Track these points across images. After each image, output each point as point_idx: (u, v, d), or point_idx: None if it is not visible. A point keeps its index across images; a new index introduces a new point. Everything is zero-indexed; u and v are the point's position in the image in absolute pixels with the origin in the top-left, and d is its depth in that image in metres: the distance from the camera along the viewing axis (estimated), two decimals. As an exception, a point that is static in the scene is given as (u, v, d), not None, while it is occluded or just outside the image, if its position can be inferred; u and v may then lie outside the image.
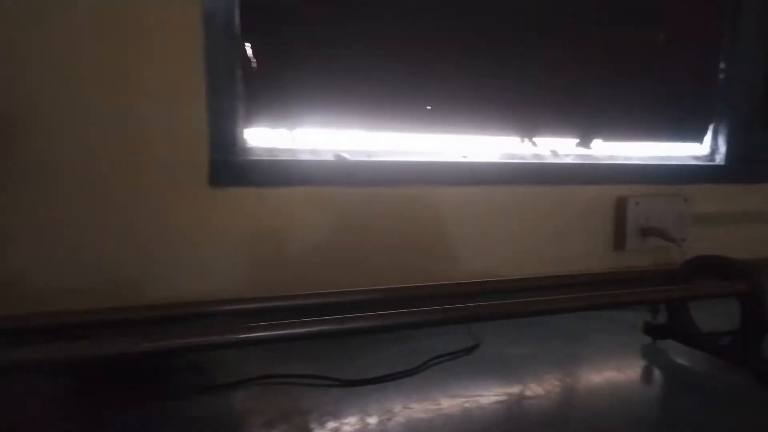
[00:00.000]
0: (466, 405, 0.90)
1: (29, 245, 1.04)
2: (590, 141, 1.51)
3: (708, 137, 1.67)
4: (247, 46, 1.18)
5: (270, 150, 1.24)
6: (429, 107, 1.33)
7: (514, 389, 0.96)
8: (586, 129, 1.50)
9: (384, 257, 1.28)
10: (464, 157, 1.37)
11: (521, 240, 1.42)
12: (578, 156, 1.50)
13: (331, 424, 0.82)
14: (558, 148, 1.47)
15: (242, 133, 1.20)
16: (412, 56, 1.31)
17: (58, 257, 1.06)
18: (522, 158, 1.43)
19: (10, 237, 1.03)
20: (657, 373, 1.07)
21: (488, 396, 0.93)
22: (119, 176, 1.09)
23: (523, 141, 1.44)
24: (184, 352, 0.93)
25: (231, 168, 1.17)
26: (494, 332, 1.20)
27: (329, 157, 1.26)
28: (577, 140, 1.50)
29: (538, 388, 0.97)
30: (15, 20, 1.00)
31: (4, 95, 1.01)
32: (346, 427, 0.81)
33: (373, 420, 0.84)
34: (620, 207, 1.48)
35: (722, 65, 1.64)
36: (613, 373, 1.05)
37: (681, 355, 1.12)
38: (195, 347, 0.76)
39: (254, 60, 1.19)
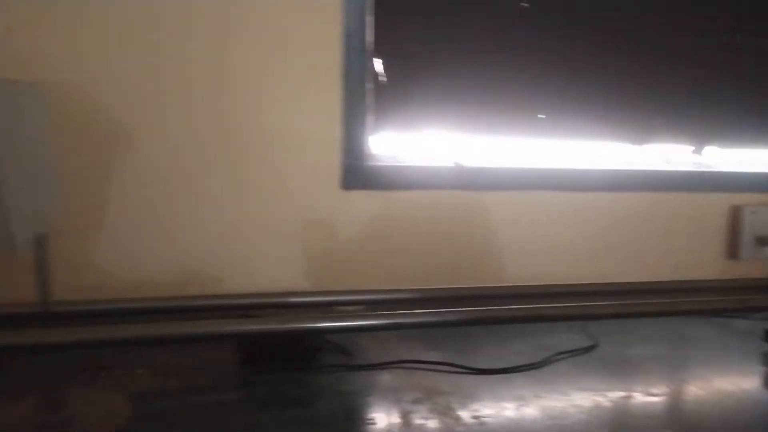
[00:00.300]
0: (595, 398, 0.95)
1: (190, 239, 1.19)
2: (704, 148, 1.51)
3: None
4: (377, 61, 1.29)
5: (394, 156, 1.34)
6: (542, 116, 1.39)
7: (637, 387, 0.99)
8: (701, 136, 1.51)
9: (504, 256, 1.35)
10: (574, 163, 1.41)
11: (631, 246, 1.44)
12: (691, 163, 1.50)
13: (472, 406, 0.89)
14: (671, 155, 1.48)
15: (369, 140, 1.30)
16: (526, 68, 1.37)
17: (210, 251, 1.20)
18: (634, 165, 1.46)
19: (170, 234, 1.18)
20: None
21: (614, 391, 0.97)
22: (266, 179, 1.23)
23: (635, 148, 1.46)
24: (329, 333, 1.04)
25: (360, 172, 1.28)
26: (609, 333, 1.23)
27: (448, 163, 1.34)
28: (692, 147, 1.50)
29: (661, 388, 0.99)
30: (157, 43, 1.14)
31: (141, 105, 1.15)
32: (486, 410, 0.88)
33: (509, 405, 0.90)
34: (734, 216, 1.47)
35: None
36: (735, 378, 1.06)
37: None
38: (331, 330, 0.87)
39: (382, 74, 1.30)
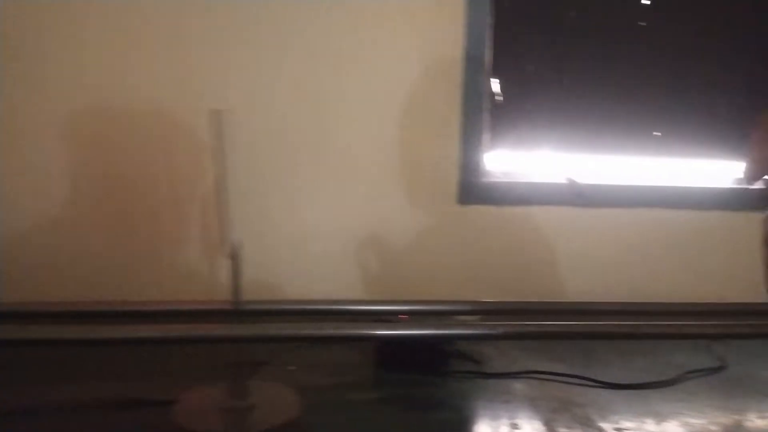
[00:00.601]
0: (734, 417, 0.93)
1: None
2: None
3: None
4: (494, 82, 1.33)
5: (507, 173, 1.37)
6: (657, 133, 1.39)
7: (777, 410, 0.97)
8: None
9: (618, 270, 1.34)
10: (687, 181, 1.39)
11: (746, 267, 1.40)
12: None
13: (612, 418, 0.90)
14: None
15: (485, 157, 1.34)
16: (640, 87, 1.38)
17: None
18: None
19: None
20: None
21: (752, 411, 0.95)
22: (388, 193, 1.29)
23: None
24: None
25: (476, 188, 1.32)
26: (735, 353, 1.20)
27: (561, 180, 1.36)
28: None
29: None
30: (288, 71, 1.23)
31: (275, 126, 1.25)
32: (627, 423, 0.89)
33: (648, 420, 0.90)
34: None
35: None
36: None
37: None
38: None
39: (499, 93, 1.34)
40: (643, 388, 1.01)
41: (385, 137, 1.28)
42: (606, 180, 1.38)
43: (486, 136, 1.34)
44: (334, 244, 1.27)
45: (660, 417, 0.91)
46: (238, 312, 0.73)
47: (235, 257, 0.73)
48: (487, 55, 1.31)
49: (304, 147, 1.26)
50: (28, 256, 1.17)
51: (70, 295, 1.04)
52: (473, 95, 1.29)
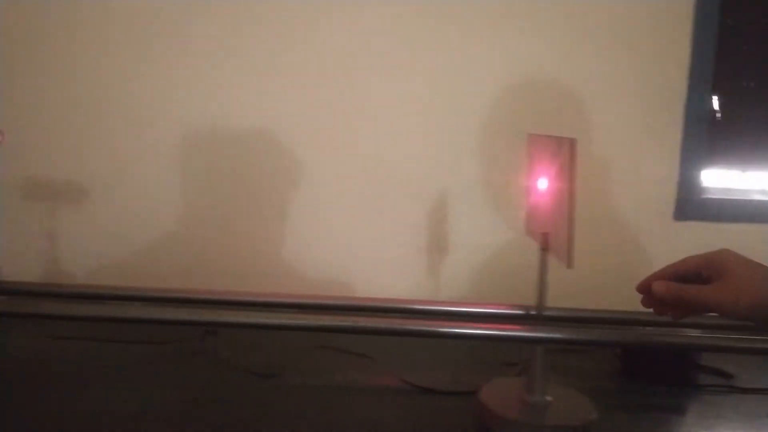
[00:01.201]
0: None
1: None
2: None
3: None
4: (714, 98, 1.34)
5: (725, 189, 1.37)
6: None
7: None
8: None
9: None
10: None
11: None
12: None
13: None
14: None
15: (702, 174, 1.35)
16: None
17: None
18: None
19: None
20: None
21: None
22: (603, 212, 1.33)
23: None
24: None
25: (693, 205, 1.34)
26: None
27: (782, 198, 1.34)
28: None
29: None
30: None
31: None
32: None
33: None
34: None
35: None
36: None
37: None
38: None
39: (717, 110, 1.35)
40: None
41: (601, 156, 1.33)
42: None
43: (704, 153, 1.35)
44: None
45: None
46: (539, 317, 0.82)
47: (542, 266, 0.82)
48: (711, 71, 1.32)
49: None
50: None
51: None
52: (695, 113, 1.31)
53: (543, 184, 0.82)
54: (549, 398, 0.84)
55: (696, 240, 1.36)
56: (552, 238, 0.81)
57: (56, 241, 1.30)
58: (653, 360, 1.06)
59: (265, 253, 1.33)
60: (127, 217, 1.31)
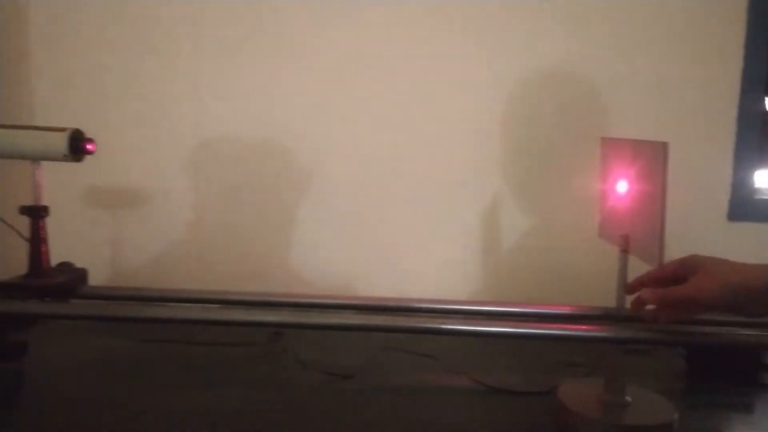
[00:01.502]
0: None
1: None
2: None
3: None
4: (767, 99, 1.35)
5: (778, 190, 1.38)
6: None
7: None
8: None
9: None
10: None
11: None
12: None
13: None
14: None
15: (755, 175, 1.36)
16: None
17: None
18: None
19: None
20: None
21: None
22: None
23: None
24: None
25: (746, 205, 1.34)
26: None
27: (837, 198, 1.34)
28: None
29: None
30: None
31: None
32: None
33: None
34: None
35: None
36: None
37: None
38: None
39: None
40: None
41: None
42: None
43: (757, 154, 1.35)
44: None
45: None
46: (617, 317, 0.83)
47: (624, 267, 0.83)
48: (764, 73, 1.32)
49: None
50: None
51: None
52: (749, 115, 1.31)
53: (622, 187, 0.84)
54: (628, 398, 0.85)
55: (749, 240, 1.37)
56: (633, 240, 0.82)
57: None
58: (719, 360, 1.07)
59: (271, 257, 1.36)
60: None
